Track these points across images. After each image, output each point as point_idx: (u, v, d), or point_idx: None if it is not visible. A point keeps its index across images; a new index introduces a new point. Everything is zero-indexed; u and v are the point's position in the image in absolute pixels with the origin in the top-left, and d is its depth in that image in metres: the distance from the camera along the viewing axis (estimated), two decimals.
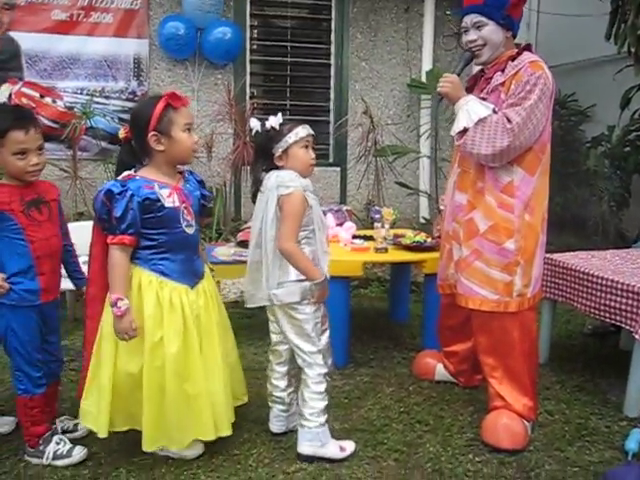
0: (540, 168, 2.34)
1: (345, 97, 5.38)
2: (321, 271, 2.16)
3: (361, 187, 5.14)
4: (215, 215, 4.74)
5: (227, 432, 2.16)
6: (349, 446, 2.26)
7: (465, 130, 2.31)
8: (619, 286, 2.62)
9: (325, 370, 2.22)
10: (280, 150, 2.15)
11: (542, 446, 2.35)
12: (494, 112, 2.27)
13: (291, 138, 2.15)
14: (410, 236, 3.18)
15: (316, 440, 2.19)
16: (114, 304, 1.97)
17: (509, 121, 2.21)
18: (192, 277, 2.15)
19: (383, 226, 3.18)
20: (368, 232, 3.41)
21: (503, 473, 2.17)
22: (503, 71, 2.32)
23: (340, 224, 3.34)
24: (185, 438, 2.11)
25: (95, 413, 2.09)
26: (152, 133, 2.02)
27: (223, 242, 4.12)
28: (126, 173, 2.06)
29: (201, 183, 2.27)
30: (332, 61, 5.43)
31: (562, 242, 4.59)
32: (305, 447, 2.20)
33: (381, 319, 3.79)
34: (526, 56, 2.29)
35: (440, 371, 2.87)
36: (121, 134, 2.15)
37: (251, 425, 2.44)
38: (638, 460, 2.19)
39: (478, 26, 2.33)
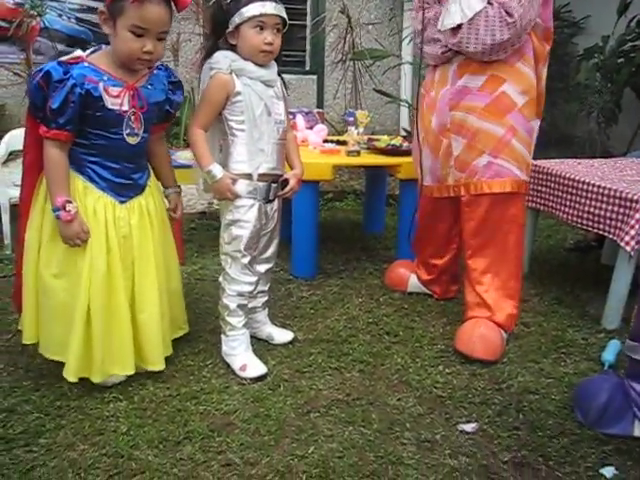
0: (544, 59, 2.19)
1: None
2: (214, 165, 1.90)
3: (338, 96, 4.83)
4: (182, 123, 4.44)
5: (159, 367, 1.95)
6: (254, 370, 2.02)
7: (459, 26, 2.09)
8: (606, 192, 2.44)
9: (242, 289, 2.04)
10: (232, 27, 1.87)
11: (516, 358, 2.23)
12: (489, 3, 2.05)
13: (240, 16, 1.84)
14: (385, 140, 2.96)
15: (224, 345, 2.10)
16: (60, 207, 1.70)
17: (509, 14, 2.01)
18: (124, 191, 1.84)
19: (357, 129, 2.94)
20: (342, 138, 3.18)
21: (474, 385, 2.04)
22: None
23: (310, 127, 3.09)
24: (105, 371, 1.87)
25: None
26: (102, 8, 1.68)
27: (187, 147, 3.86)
28: (76, 54, 1.71)
29: (175, 84, 1.91)
30: None
31: (548, 159, 4.40)
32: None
33: (355, 231, 3.62)
34: None
35: (413, 282, 2.72)
36: None
37: (208, 335, 2.29)
38: (615, 371, 2.08)
39: None
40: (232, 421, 1.78)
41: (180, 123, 4.51)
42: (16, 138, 2.90)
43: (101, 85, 1.69)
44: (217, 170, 1.90)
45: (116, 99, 1.72)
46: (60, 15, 4.55)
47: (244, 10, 1.84)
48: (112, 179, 1.81)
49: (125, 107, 1.74)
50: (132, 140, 1.80)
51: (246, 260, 2.02)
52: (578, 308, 2.67)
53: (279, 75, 2.02)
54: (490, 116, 2.16)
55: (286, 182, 2.04)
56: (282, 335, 2.26)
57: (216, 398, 1.90)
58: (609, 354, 2.19)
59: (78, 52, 1.71)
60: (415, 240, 2.67)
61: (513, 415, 1.88)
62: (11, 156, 3.12)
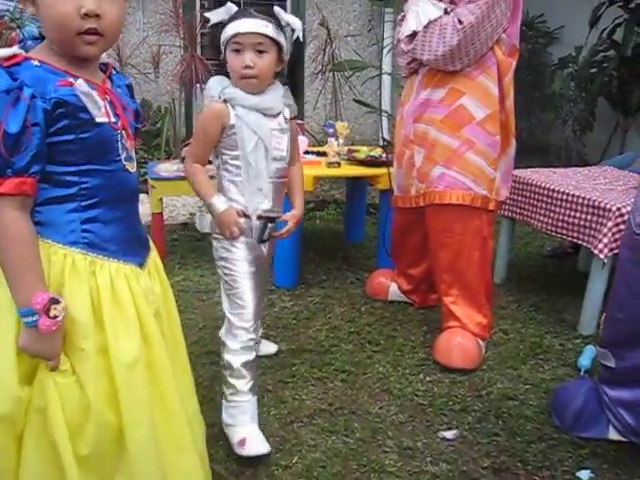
0: (510, 74, 2.22)
1: (302, 10, 5.04)
2: (218, 196, 1.70)
3: (318, 107, 4.88)
4: (163, 135, 4.46)
5: None
6: (254, 447, 1.68)
7: (415, 34, 2.18)
8: (579, 201, 2.51)
9: (245, 340, 1.73)
10: (222, 52, 1.69)
11: (495, 365, 2.28)
12: (446, 13, 2.13)
13: (223, 39, 1.66)
14: (364, 151, 3.01)
15: (224, 412, 1.77)
16: (41, 311, 1.04)
17: (460, 22, 2.08)
18: (139, 248, 1.25)
19: (337, 140, 2.98)
20: (322, 149, 3.22)
21: (454, 392, 2.09)
22: None
23: None
24: None
25: None
26: None
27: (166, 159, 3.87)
28: (10, 51, 1.04)
29: (130, 89, 1.28)
30: None
31: (524, 167, 4.48)
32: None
33: (336, 241, 3.65)
34: None
35: (394, 291, 2.76)
36: None
37: (193, 347, 2.30)
38: (590, 376, 2.13)
39: None
40: (216, 433, 1.80)
41: (161, 134, 4.52)
42: None
43: (79, 87, 1.06)
44: (220, 202, 1.70)
45: (100, 107, 1.11)
46: (39, 27, 4.54)
47: (224, 31, 1.66)
48: (121, 235, 1.19)
49: (113, 118, 1.13)
50: (131, 167, 1.20)
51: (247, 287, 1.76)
52: (555, 314, 2.72)
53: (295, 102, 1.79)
54: (447, 128, 2.21)
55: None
56: (266, 347, 2.28)
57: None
58: (585, 359, 2.25)
59: (11, 50, 1.04)
60: (392, 251, 2.72)
61: (492, 421, 1.93)
62: None
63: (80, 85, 1.06)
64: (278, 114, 1.73)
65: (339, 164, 2.85)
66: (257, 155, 1.69)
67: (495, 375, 2.20)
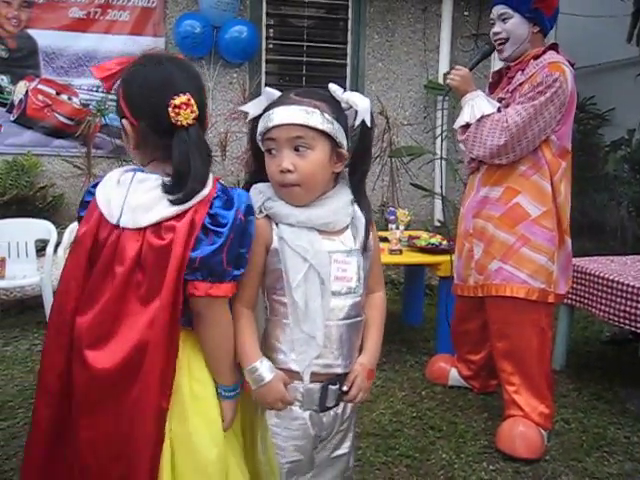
0: (559, 174, 2.28)
1: None
2: (261, 361, 1.25)
3: (376, 189, 5.06)
4: None
5: None
6: None
7: (468, 125, 2.33)
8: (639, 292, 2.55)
9: None
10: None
11: (559, 455, 2.29)
12: (499, 111, 2.28)
13: (258, 135, 1.28)
14: (425, 238, 3.14)
15: None
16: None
17: (506, 120, 2.21)
18: None
19: (398, 227, 3.13)
20: (382, 234, 3.35)
21: None
22: (524, 71, 2.28)
23: None
24: None
25: None
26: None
27: None
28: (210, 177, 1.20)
29: None
30: (348, 61, 5.37)
31: (579, 247, 4.48)
32: None
33: (394, 322, 3.73)
34: (548, 56, 2.24)
35: (454, 376, 2.81)
36: (186, 117, 1.15)
37: None
38: None
39: (503, 18, 2.28)
40: None
41: None
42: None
43: None
44: (265, 369, 1.25)
45: None
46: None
47: (259, 126, 1.26)
48: None
49: None
50: None
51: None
52: (618, 404, 2.72)
53: (366, 211, 1.33)
54: (504, 225, 2.32)
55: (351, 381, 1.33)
56: None
57: None
58: None
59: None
60: (452, 337, 2.80)
61: None
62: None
63: None
64: (344, 229, 1.30)
65: (401, 251, 2.99)
66: (308, 290, 1.24)
67: (559, 467, 2.21)
